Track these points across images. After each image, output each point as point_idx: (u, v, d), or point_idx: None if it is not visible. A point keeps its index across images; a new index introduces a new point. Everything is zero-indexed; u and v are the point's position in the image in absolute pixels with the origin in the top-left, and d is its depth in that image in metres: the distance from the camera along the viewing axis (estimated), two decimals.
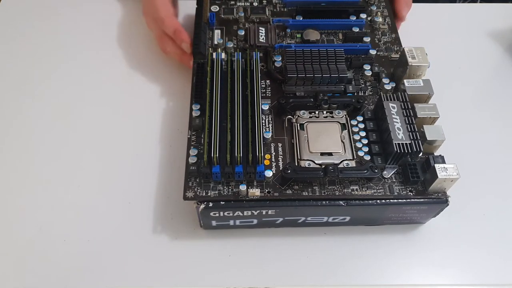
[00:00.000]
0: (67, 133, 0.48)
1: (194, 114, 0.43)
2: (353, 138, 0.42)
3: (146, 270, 0.41)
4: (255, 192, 0.38)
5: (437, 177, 0.37)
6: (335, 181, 0.40)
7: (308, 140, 0.41)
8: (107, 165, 0.46)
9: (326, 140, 0.41)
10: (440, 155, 0.40)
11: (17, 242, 0.42)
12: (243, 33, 0.49)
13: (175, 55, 0.51)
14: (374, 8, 0.53)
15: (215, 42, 0.49)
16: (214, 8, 0.52)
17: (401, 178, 0.40)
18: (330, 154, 0.41)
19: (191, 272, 0.41)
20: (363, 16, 0.51)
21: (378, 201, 0.39)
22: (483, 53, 0.58)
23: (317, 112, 0.43)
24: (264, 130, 0.42)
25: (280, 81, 0.46)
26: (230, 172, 0.39)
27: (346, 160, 0.40)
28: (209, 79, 0.43)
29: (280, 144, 0.42)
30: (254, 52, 0.46)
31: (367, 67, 0.47)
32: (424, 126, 0.40)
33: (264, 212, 0.39)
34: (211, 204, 0.38)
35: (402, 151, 0.39)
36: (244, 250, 0.42)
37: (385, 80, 0.46)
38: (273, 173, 0.40)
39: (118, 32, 0.57)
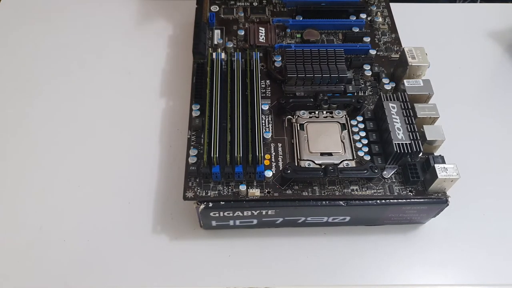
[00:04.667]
0: (67, 133, 0.48)
1: (194, 114, 0.43)
2: (353, 138, 0.42)
3: (146, 270, 0.41)
4: (255, 192, 0.38)
5: (437, 177, 0.37)
6: (335, 181, 0.40)
7: (308, 140, 0.41)
8: (107, 165, 0.46)
9: (326, 140, 0.41)
10: (440, 155, 0.40)
11: (17, 242, 0.42)
12: (243, 33, 0.49)
13: None
14: (374, 8, 0.53)
15: (215, 42, 0.49)
16: (214, 8, 0.52)
17: (401, 178, 0.40)
18: (330, 154, 0.41)
19: (191, 272, 0.41)
20: (363, 16, 0.51)
21: (378, 201, 0.39)
22: (483, 53, 0.58)
23: (317, 112, 0.43)
24: (264, 130, 0.42)
25: (280, 81, 0.46)
26: (230, 172, 0.39)
27: (346, 160, 0.40)
28: (209, 79, 0.43)
29: (280, 144, 0.42)
30: (254, 52, 0.46)
31: (367, 67, 0.47)
32: (424, 126, 0.40)
33: (264, 212, 0.39)
34: (211, 204, 0.38)
35: (402, 151, 0.39)
36: (244, 250, 0.42)
37: (385, 80, 0.46)
38: (273, 173, 0.40)
39: (118, 32, 0.57)
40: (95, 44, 0.56)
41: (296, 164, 0.40)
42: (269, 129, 0.43)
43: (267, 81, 0.46)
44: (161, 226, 0.43)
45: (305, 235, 0.43)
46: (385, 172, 0.40)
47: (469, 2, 0.72)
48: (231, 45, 0.49)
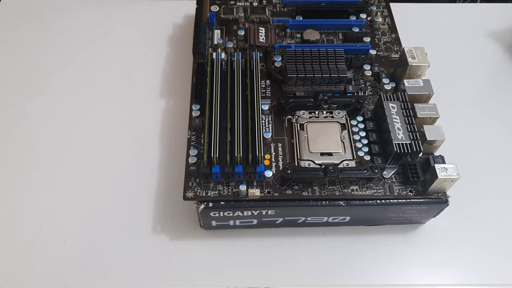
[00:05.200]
0: (67, 133, 0.48)
1: (194, 114, 0.43)
2: (353, 138, 0.42)
3: (146, 270, 0.41)
4: (255, 192, 0.38)
5: (437, 177, 0.37)
6: (335, 181, 0.40)
7: (308, 140, 0.41)
8: (107, 165, 0.46)
9: (326, 140, 0.41)
10: (440, 155, 0.40)
11: (17, 242, 0.42)
12: (243, 33, 0.49)
13: None
14: (374, 8, 0.53)
15: (215, 42, 0.49)
16: (214, 8, 0.52)
17: (401, 178, 0.40)
18: (330, 154, 0.41)
19: (191, 272, 0.41)
20: (363, 16, 0.51)
21: (378, 201, 0.39)
22: (483, 53, 0.58)
23: (317, 112, 0.43)
24: (264, 130, 0.42)
25: (280, 81, 0.46)
26: (230, 172, 0.39)
27: (346, 160, 0.40)
28: (209, 79, 0.43)
29: (280, 144, 0.42)
30: (254, 52, 0.46)
31: (367, 67, 0.47)
32: (424, 126, 0.40)
33: (264, 212, 0.39)
34: (211, 204, 0.38)
35: (402, 151, 0.39)
36: (244, 250, 0.42)
37: (385, 80, 0.46)
38: (273, 173, 0.40)
39: (118, 32, 0.57)
40: (95, 44, 0.56)
41: (296, 164, 0.40)
42: (269, 129, 0.43)
43: (267, 81, 0.46)
44: (161, 226, 0.43)
45: (305, 235, 0.43)
46: (385, 172, 0.40)
47: (469, 2, 0.72)
48: (231, 45, 0.49)
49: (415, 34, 0.54)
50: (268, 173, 0.39)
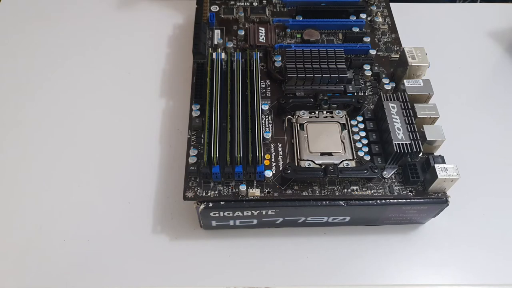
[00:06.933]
0: (67, 133, 0.48)
1: (194, 114, 0.43)
2: (353, 138, 0.42)
3: (146, 270, 0.41)
4: (255, 192, 0.38)
5: (437, 177, 0.37)
6: (335, 181, 0.40)
7: (308, 140, 0.41)
8: (107, 165, 0.46)
9: (326, 140, 0.41)
10: (440, 155, 0.40)
11: (17, 242, 0.42)
12: (243, 33, 0.49)
13: None
14: (374, 8, 0.53)
15: (215, 42, 0.49)
16: (214, 8, 0.52)
17: (401, 178, 0.40)
18: (330, 154, 0.41)
19: (191, 272, 0.41)
20: (363, 16, 0.51)
21: (378, 201, 0.39)
22: (483, 53, 0.58)
23: (317, 112, 0.43)
24: (264, 130, 0.42)
25: (280, 81, 0.46)
26: (230, 172, 0.39)
27: (346, 160, 0.40)
28: (209, 79, 0.43)
29: (280, 144, 0.42)
30: (254, 52, 0.46)
31: (367, 67, 0.47)
32: (424, 126, 0.40)
33: (264, 212, 0.39)
34: (211, 204, 0.38)
35: (402, 151, 0.39)
36: (244, 250, 0.42)
37: (385, 80, 0.46)
38: (273, 173, 0.40)
39: (118, 32, 0.57)
40: (95, 44, 0.56)
41: (296, 164, 0.40)
42: (269, 129, 0.43)
43: (267, 81, 0.46)
44: (161, 226, 0.43)
45: (305, 235, 0.43)
46: (385, 172, 0.40)
47: (469, 2, 0.72)
48: (231, 45, 0.49)
49: (415, 34, 0.55)
50: (268, 173, 0.39)
